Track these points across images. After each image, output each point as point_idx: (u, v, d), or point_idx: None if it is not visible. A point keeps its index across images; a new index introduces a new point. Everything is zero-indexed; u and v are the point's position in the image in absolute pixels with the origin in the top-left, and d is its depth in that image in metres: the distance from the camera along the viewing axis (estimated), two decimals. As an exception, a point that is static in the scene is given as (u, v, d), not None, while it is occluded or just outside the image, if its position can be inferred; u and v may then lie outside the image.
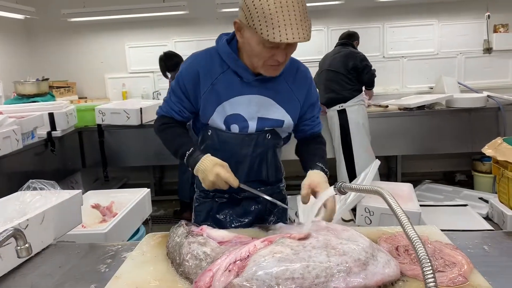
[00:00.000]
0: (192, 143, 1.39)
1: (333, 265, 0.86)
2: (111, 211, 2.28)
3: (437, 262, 1.00)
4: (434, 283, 0.68)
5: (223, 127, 1.40)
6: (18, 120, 2.85)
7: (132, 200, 2.26)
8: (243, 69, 1.35)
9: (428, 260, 0.71)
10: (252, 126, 1.40)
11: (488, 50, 5.01)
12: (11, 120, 2.74)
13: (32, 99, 3.91)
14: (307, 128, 1.52)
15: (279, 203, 1.41)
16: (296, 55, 1.34)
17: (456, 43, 5.05)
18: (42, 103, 3.73)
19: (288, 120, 1.43)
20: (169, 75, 4.16)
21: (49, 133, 3.33)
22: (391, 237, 1.17)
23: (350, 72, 3.84)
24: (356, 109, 3.85)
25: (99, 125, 3.91)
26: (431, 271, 0.69)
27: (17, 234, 1.00)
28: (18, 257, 1.02)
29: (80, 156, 3.97)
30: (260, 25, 1.15)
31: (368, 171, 3.02)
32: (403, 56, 5.14)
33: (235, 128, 1.40)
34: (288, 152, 1.59)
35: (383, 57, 5.15)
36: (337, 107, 3.87)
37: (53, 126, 3.38)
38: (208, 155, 1.32)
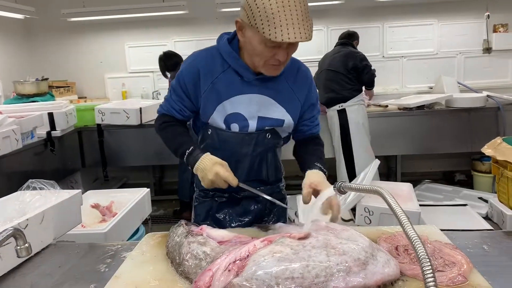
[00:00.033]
0: (192, 142, 1.40)
1: (333, 264, 0.87)
2: (110, 211, 2.28)
3: (436, 262, 1.00)
4: (433, 283, 0.68)
5: (223, 126, 1.40)
6: (18, 120, 2.85)
7: (131, 200, 2.26)
8: (244, 68, 1.35)
9: (427, 260, 0.71)
10: (253, 125, 1.40)
11: (487, 50, 5.01)
12: (11, 120, 2.74)
13: (31, 99, 3.91)
14: (305, 128, 1.52)
15: (278, 202, 1.41)
16: (296, 55, 1.34)
17: (456, 43, 5.05)
18: (42, 103, 3.74)
19: (288, 119, 1.43)
20: (168, 74, 4.16)
21: (48, 133, 3.33)
22: (390, 236, 1.17)
23: (350, 72, 3.84)
24: (356, 109, 3.85)
25: (98, 125, 3.91)
26: (431, 270, 0.69)
27: (17, 233, 1.00)
28: (18, 256, 1.02)
29: (79, 156, 3.97)
30: (262, 24, 1.15)
31: (367, 171, 3.02)
32: (402, 56, 5.14)
33: (235, 127, 1.40)
34: (288, 152, 1.59)
35: (383, 57, 5.15)
36: (337, 107, 3.87)
37: (52, 126, 3.38)
38: (208, 154, 1.32)
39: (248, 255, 0.92)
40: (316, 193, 1.26)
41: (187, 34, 5.21)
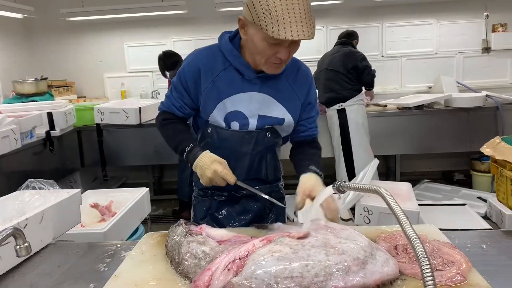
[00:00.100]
0: (192, 139, 1.41)
1: (332, 264, 0.87)
2: (110, 210, 2.28)
3: (435, 261, 1.00)
4: (432, 282, 0.68)
5: (223, 124, 1.40)
6: (17, 119, 2.85)
7: (131, 199, 2.26)
8: (245, 66, 1.36)
9: (426, 259, 0.71)
10: (253, 123, 1.40)
11: (486, 49, 5.01)
12: (10, 120, 2.74)
13: (30, 98, 3.90)
14: (302, 129, 1.51)
15: (275, 201, 1.42)
16: (295, 54, 1.34)
17: (455, 43, 5.05)
18: (41, 102, 3.73)
19: (288, 118, 1.43)
20: (168, 74, 4.15)
21: (47, 133, 3.32)
22: (389, 236, 1.17)
23: (350, 71, 3.84)
24: (355, 109, 3.85)
25: (98, 125, 3.90)
26: (430, 270, 0.70)
27: (16, 233, 1.00)
28: (17, 256, 1.02)
29: (79, 155, 3.96)
30: (265, 21, 1.15)
31: (367, 170, 3.03)
32: (401, 56, 5.14)
33: (235, 125, 1.40)
34: (287, 151, 1.59)
35: (382, 56, 5.15)
36: (337, 107, 3.87)
37: (51, 126, 3.38)
38: (207, 151, 1.33)
39: (247, 255, 0.92)
40: (312, 199, 1.26)
41: (186, 34, 5.21)
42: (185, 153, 1.36)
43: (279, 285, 0.83)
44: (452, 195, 4.01)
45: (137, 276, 1.03)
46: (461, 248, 1.10)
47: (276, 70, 1.32)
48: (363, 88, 4.03)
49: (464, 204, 3.22)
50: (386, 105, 4.25)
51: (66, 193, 1.45)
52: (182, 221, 1.23)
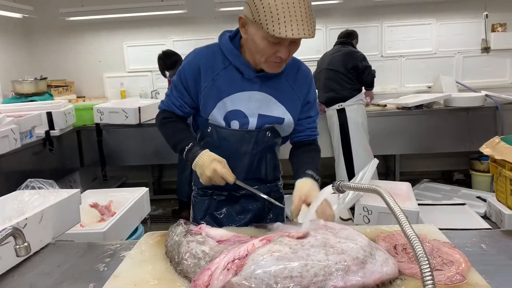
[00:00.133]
0: (192, 138, 1.41)
1: (332, 263, 0.87)
2: (109, 210, 2.28)
3: (435, 261, 1.00)
4: (432, 282, 0.68)
5: (223, 123, 1.40)
6: (16, 119, 2.85)
7: (130, 199, 2.26)
8: (245, 65, 1.36)
9: (426, 259, 0.71)
10: (253, 122, 1.40)
11: (486, 49, 5.01)
12: (9, 119, 2.74)
13: (30, 98, 3.91)
14: (301, 128, 1.51)
15: (274, 201, 1.42)
16: (295, 54, 1.34)
17: (454, 42, 5.05)
18: (40, 102, 3.73)
19: (288, 118, 1.43)
20: (167, 73, 4.15)
21: (47, 132, 3.32)
22: (389, 235, 1.17)
23: (350, 71, 3.84)
24: (355, 108, 3.85)
25: (97, 124, 3.90)
26: (429, 269, 0.70)
27: (16, 233, 1.00)
28: (17, 256, 1.02)
29: (78, 155, 3.97)
30: (266, 20, 1.15)
31: (366, 170, 3.03)
32: (401, 55, 5.14)
33: (235, 124, 1.40)
34: (287, 151, 1.59)
35: (381, 56, 5.15)
36: (336, 106, 3.87)
37: (51, 125, 3.38)
38: (207, 150, 1.33)
39: (247, 254, 0.92)
40: (307, 204, 1.26)
41: (185, 34, 5.20)
42: (184, 152, 1.36)
43: (279, 285, 0.83)
44: (452, 195, 4.01)
45: (136, 276, 1.03)
46: (460, 247, 1.10)
47: (276, 69, 1.32)
48: (363, 88, 4.03)
49: (463, 204, 3.22)
50: (385, 105, 4.25)
51: (65, 193, 1.45)
52: (181, 220, 1.23)
